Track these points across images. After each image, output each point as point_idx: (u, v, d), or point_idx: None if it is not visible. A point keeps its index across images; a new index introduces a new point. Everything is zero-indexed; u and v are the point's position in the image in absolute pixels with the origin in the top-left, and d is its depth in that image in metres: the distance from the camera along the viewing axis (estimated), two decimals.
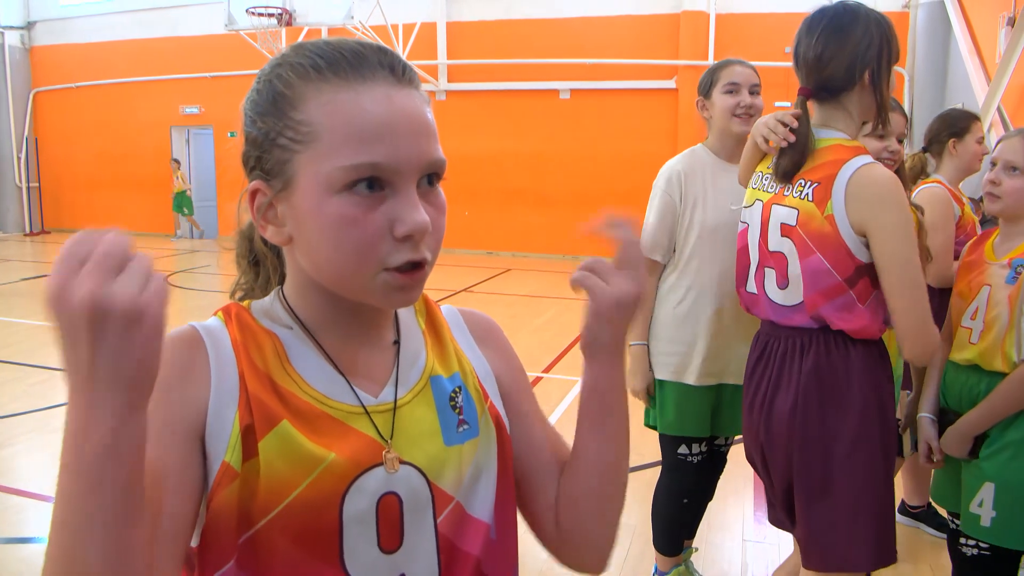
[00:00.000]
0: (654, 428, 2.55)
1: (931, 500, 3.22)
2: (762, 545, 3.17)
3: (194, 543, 0.76)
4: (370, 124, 0.72)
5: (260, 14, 10.43)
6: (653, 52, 11.70)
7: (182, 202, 14.23)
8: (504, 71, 12.46)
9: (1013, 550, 1.98)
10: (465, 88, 12.75)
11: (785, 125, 1.70)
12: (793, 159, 1.71)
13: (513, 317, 7.64)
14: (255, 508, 0.73)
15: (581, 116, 12.24)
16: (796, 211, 1.69)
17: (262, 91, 0.77)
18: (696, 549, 2.85)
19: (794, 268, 1.70)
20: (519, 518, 0.92)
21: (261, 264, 0.90)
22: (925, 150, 3.06)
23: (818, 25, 1.71)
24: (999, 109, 7.13)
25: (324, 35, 12.31)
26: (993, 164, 2.14)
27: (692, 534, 2.76)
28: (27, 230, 15.49)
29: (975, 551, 2.04)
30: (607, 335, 0.85)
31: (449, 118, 11.54)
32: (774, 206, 1.74)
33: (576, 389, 5.22)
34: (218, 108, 13.90)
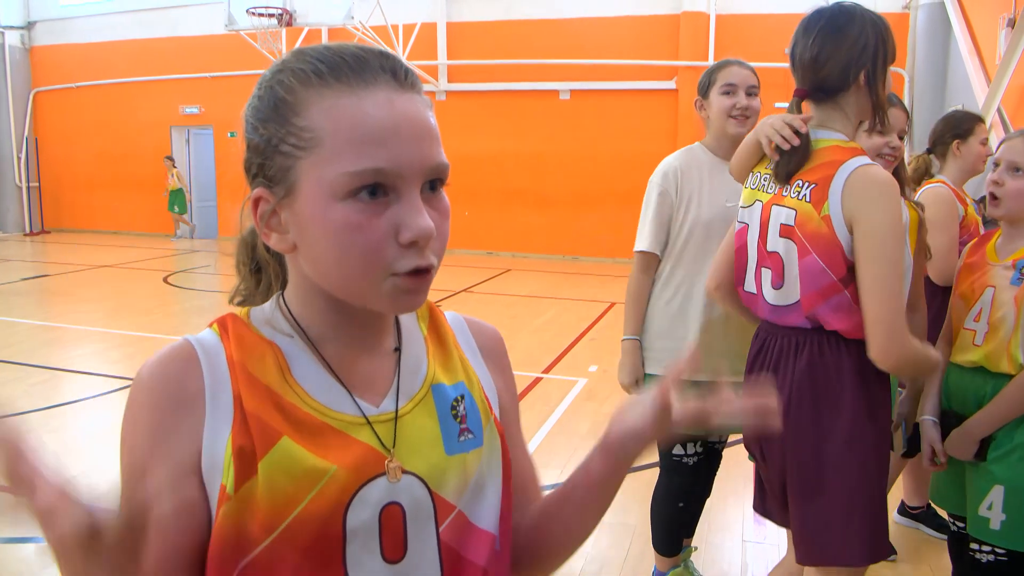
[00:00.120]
0: None
1: (931, 503, 3.23)
2: (762, 546, 3.17)
3: None
4: (373, 129, 0.72)
5: (260, 14, 10.43)
6: (653, 53, 11.71)
7: (175, 200, 14.20)
8: (504, 71, 12.47)
9: None
10: (465, 88, 12.75)
11: (793, 129, 1.70)
12: (795, 161, 1.72)
13: (513, 317, 7.64)
14: (258, 527, 0.73)
15: (581, 116, 12.24)
16: (794, 212, 1.70)
17: (263, 97, 0.76)
18: (696, 548, 2.85)
19: (791, 268, 1.71)
20: None
21: (263, 271, 0.89)
22: (929, 151, 3.08)
23: (814, 26, 1.72)
24: (999, 110, 7.13)
25: (324, 35, 12.37)
26: (996, 165, 2.13)
27: (691, 533, 2.77)
28: (27, 230, 15.49)
29: (991, 557, 2.00)
30: (639, 449, 0.86)
31: (449, 118, 11.54)
32: (774, 207, 1.75)
33: (576, 390, 5.23)
34: (218, 108, 13.90)
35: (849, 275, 1.65)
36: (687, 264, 2.43)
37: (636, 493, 2.73)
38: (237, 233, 0.90)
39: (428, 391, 0.85)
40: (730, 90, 2.38)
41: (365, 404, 0.80)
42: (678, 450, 2.51)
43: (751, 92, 2.40)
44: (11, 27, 15.17)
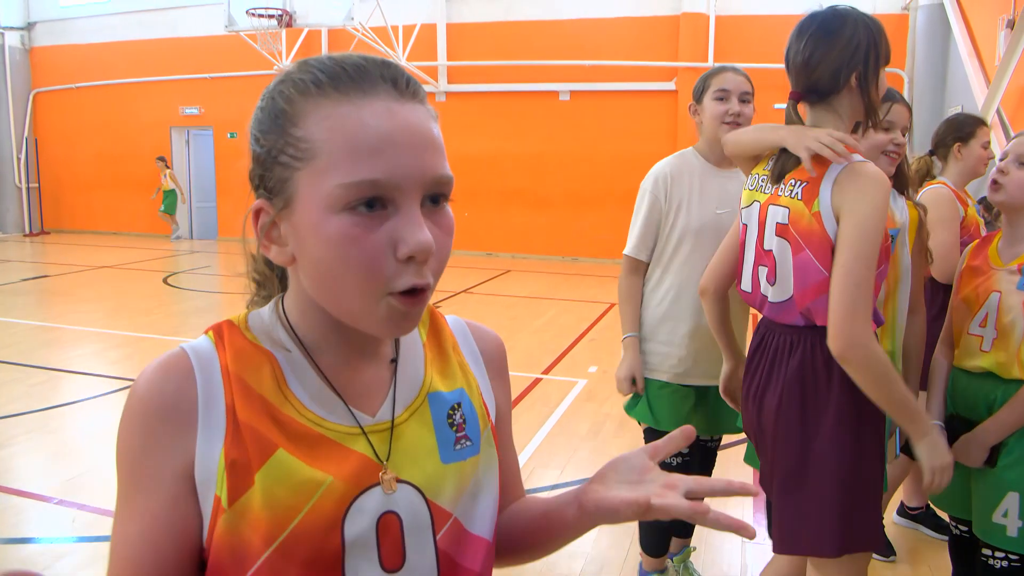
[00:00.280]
0: (638, 421, 2.56)
1: (930, 503, 3.24)
2: (762, 546, 3.17)
3: None
4: (369, 138, 0.70)
5: (260, 15, 10.43)
6: (653, 54, 11.72)
7: (168, 201, 14.14)
8: (504, 72, 12.48)
9: None
10: (465, 89, 12.76)
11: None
12: (791, 161, 1.75)
13: (513, 318, 7.64)
14: (258, 539, 0.73)
15: (581, 117, 12.26)
16: (787, 210, 1.72)
17: (265, 108, 0.76)
18: (695, 548, 2.86)
19: (784, 266, 1.73)
20: None
21: (264, 286, 0.88)
22: (932, 153, 3.10)
23: (807, 30, 1.75)
24: (998, 111, 7.14)
25: (324, 36, 12.37)
26: (1003, 158, 2.12)
27: (689, 534, 2.77)
28: (27, 231, 15.50)
29: (1005, 563, 1.99)
30: (613, 522, 0.84)
31: (449, 119, 11.55)
32: (770, 206, 1.78)
33: (576, 390, 5.23)
34: (218, 109, 13.91)
35: None
36: (676, 270, 2.44)
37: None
38: (240, 238, 0.89)
39: (425, 400, 0.84)
40: (723, 96, 2.38)
41: (361, 414, 0.80)
42: None
43: (744, 99, 2.40)
44: (11, 28, 15.18)
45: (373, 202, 0.70)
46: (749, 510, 3.40)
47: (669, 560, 2.80)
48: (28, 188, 15.50)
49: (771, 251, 1.77)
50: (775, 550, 1.84)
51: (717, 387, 2.45)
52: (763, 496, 2.12)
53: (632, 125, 11.93)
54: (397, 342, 0.87)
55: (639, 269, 2.52)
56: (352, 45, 10.81)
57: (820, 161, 1.68)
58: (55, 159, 15.54)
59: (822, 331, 1.69)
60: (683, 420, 2.46)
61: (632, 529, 3.03)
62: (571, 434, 4.38)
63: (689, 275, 2.41)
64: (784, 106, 1.83)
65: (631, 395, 2.56)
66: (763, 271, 1.80)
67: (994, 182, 2.10)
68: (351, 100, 0.71)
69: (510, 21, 12.48)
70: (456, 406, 0.86)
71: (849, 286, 1.61)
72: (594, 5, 12.09)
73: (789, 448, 1.75)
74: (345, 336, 0.80)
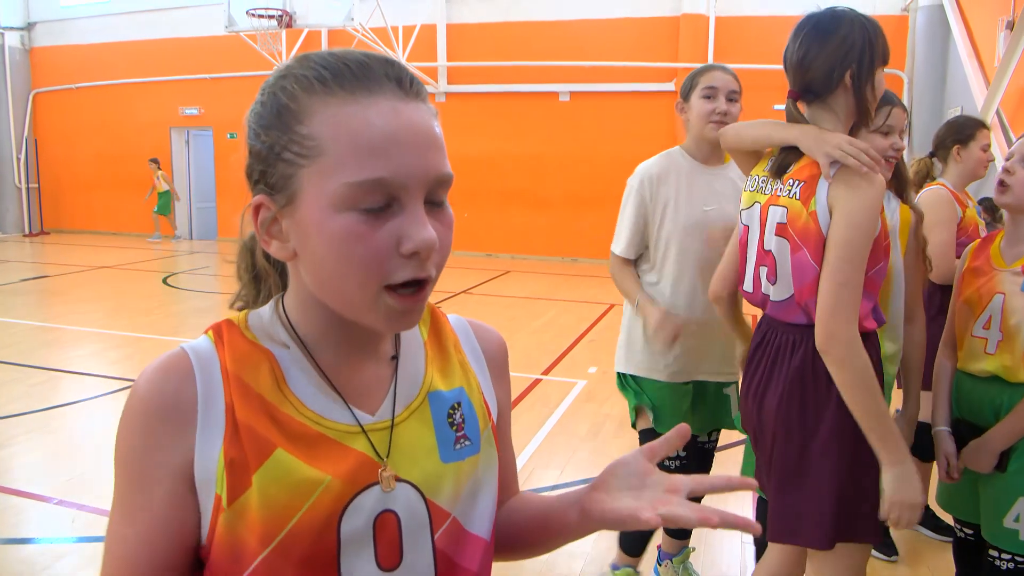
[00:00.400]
0: (638, 429, 2.56)
1: (929, 504, 3.24)
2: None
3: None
4: (376, 138, 0.70)
5: (260, 16, 10.43)
6: (653, 55, 11.73)
7: (160, 202, 14.03)
8: (504, 73, 12.48)
9: None
10: (465, 90, 12.77)
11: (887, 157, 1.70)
12: (791, 156, 1.77)
13: (512, 319, 7.64)
14: (255, 539, 0.73)
15: (580, 118, 12.26)
16: (786, 209, 1.74)
17: (267, 103, 0.75)
18: (694, 549, 2.86)
19: (784, 265, 1.75)
20: None
21: (263, 280, 0.88)
22: (932, 155, 3.12)
23: (803, 29, 1.77)
24: (998, 112, 7.14)
25: (324, 37, 12.37)
26: (1008, 159, 2.12)
27: (687, 535, 2.77)
28: (26, 231, 15.49)
29: (1011, 564, 1.99)
30: (615, 528, 0.86)
31: (449, 120, 11.50)
32: (771, 207, 1.80)
33: (575, 391, 5.23)
34: (218, 109, 13.91)
35: None
36: (668, 269, 2.44)
37: None
38: (238, 238, 0.89)
39: (425, 399, 0.84)
40: (711, 94, 2.38)
41: (360, 413, 0.80)
42: None
43: (732, 97, 2.40)
44: (11, 28, 15.18)
45: (378, 200, 0.70)
46: (749, 511, 3.39)
47: (663, 563, 2.81)
48: (28, 188, 15.50)
49: (771, 251, 1.78)
50: (770, 539, 1.85)
51: (714, 383, 2.47)
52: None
53: (632, 126, 11.94)
54: (398, 340, 0.87)
55: (629, 264, 2.54)
56: (352, 46, 10.71)
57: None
58: (55, 159, 15.54)
59: None
60: (682, 418, 2.47)
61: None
62: (571, 435, 4.38)
63: (680, 273, 2.41)
64: (784, 107, 1.84)
65: (634, 399, 2.55)
66: (764, 271, 1.82)
67: (1001, 183, 2.09)
68: (357, 99, 0.71)
69: (510, 22, 12.48)
70: (456, 405, 0.86)
71: (834, 284, 1.63)
72: (594, 6, 12.09)
73: (789, 445, 1.77)
74: (345, 334, 0.80)
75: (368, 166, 0.70)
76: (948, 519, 3.10)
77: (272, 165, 0.74)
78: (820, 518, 1.73)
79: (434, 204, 0.74)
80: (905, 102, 10.60)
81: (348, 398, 0.80)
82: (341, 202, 0.70)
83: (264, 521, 0.73)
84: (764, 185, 1.83)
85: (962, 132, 3.00)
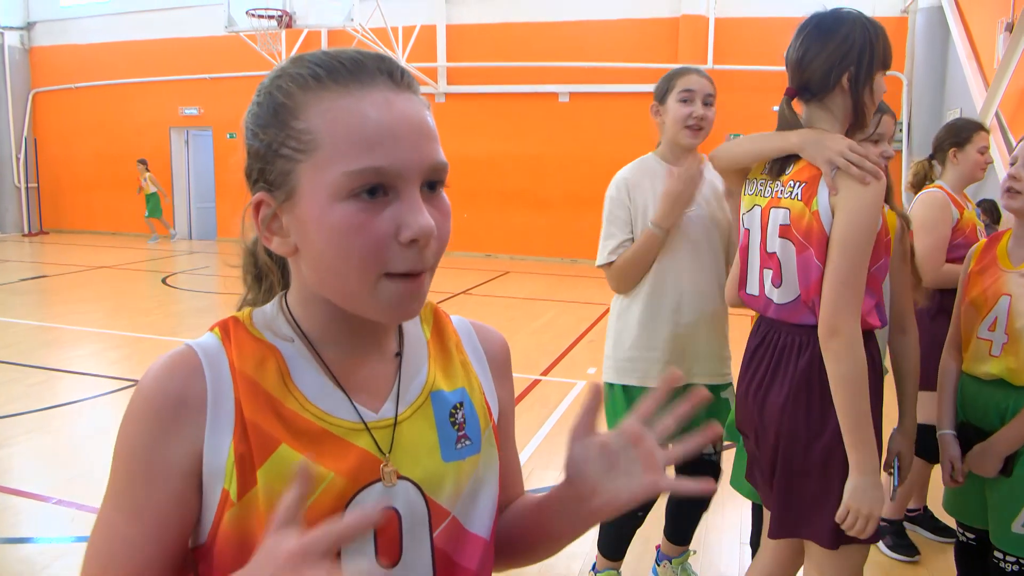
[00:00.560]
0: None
1: (929, 506, 3.24)
2: None
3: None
4: (371, 129, 0.72)
5: (260, 16, 10.44)
6: (652, 56, 11.72)
7: (150, 204, 13.89)
8: (503, 74, 12.48)
9: None
10: (464, 91, 12.76)
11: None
12: (794, 157, 1.77)
13: (511, 320, 7.65)
14: (261, 535, 0.73)
15: (580, 119, 12.26)
16: (788, 211, 1.74)
17: (263, 103, 0.77)
18: (694, 552, 2.86)
19: (789, 266, 1.75)
20: None
21: (264, 277, 0.89)
22: (931, 157, 3.12)
23: (804, 28, 1.77)
24: (997, 114, 7.15)
25: (324, 37, 12.37)
26: (1013, 163, 2.11)
27: (686, 541, 2.76)
28: (26, 231, 15.49)
29: (1016, 567, 1.98)
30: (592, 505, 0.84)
31: (448, 121, 11.55)
32: (772, 209, 1.80)
33: (575, 392, 5.23)
34: (217, 109, 13.91)
35: None
36: (651, 275, 2.41)
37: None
38: (240, 241, 0.89)
39: (428, 397, 0.85)
40: (688, 97, 2.35)
41: (364, 410, 0.80)
42: None
43: (708, 102, 2.37)
44: (11, 28, 15.18)
45: (375, 189, 0.72)
46: (748, 512, 3.40)
47: (661, 563, 2.80)
48: (27, 188, 15.50)
49: (775, 253, 1.78)
50: (770, 535, 1.85)
51: (709, 385, 2.41)
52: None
53: (631, 127, 11.90)
54: (401, 338, 0.87)
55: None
56: (352, 46, 10.78)
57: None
58: (54, 159, 15.53)
59: None
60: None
61: (640, 542, 3.03)
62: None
63: (662, 277, 2.39)
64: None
65: (609, 405, 2.50)
66: (768, 274, 1.81)
67: (1009, 189, 2.07)
68: (351, 92, 0.73)
69: (510, 23, 12.49)
70: (458, 405, 0.86)
71: (837, 281, 1.63)
72: (593, 7, 12.10)
73: (796, 443, 1.76)
74: (348, 329, 0.81)
75: (364, 156, 0.71)
76: (947, 520, 3.10)
77: (270, 162, 0.75)
78: (826, 517, 1.73)
79: (431, 193, 0.76)
80: (904, 104, 10.64)
81: (352, 395, 0.80)
82: (339, 192, 0.71)
83: (268, 516, 0.73)
84: (763, 188, 1.83)
85: (959, 135, 3.01)
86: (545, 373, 5.72)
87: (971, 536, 2.22)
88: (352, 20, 10.35)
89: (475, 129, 12.29)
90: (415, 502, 0.81)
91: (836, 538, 1.74)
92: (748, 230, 1.89)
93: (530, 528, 0.94)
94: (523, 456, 3.96)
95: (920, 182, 3.18)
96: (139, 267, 11.22)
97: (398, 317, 0.78)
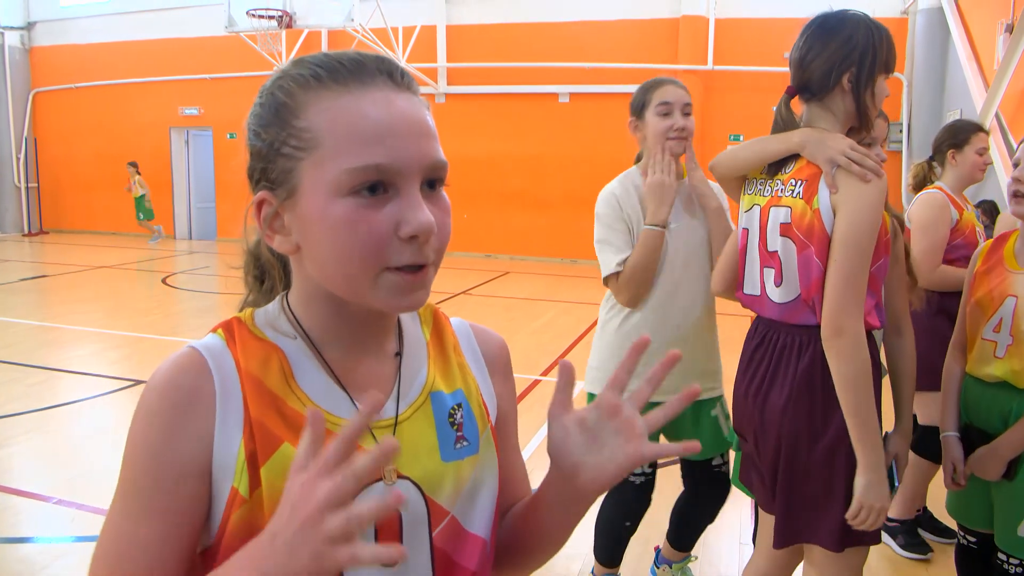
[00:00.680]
0: None
1: (928, 507, 3.24)
2: None
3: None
4: (371, 127, 0.73)
5: (260, 16, 10.44)
6: (652, 56, 11.73)
7: (138, 206, 13.68)
8: (503, 74, 12.48)
9: None
10: (464, 91, 12.76)
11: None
12: (794, 155, 1.78)
13: (511, 320, 7.65)
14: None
15: (580, 120, 12.26)
16: (789, 209, 1.75)
17: (265, 104, 0.78)
18: (696, 558, 2.85)
19: (790, 264, 1.75)
20: None
21: (267, 274, 0.90)
22: (931, 159, 3.14)
23: (808, 28, 1.78)
24: (997, 115, 7.15)
25: (324, 37, 12.37)
26: (1016, 165, 2.11)
27: (688, 547, 2.74)
28: (25, 230, 15.49)
29: (1019, 569, 1.97)
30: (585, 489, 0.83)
31: (448, 121, 11.55)
32: (772, 208, 1.80)
33: (574, 392, 5.22)
34: (217, 109, 13.91)
35: None
36: None
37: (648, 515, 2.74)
38: (242, 241, 0.90)
39: (427, 398, 0.85)
40: (667, 110, 2.34)
41: None
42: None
43: (686, 111, 2.35)
44: (11, 28, 15.18)
45: (376, 186, 0.73)
46: (747, 513, 3.40)
47: (660, 566, 2.79)
48: (27, 188, 15.50)
49: (776, 252, 1.78)
50: (776, 545, 1.84)
51: (701, 401, 2.40)
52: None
53: None
54: (401, 338, 0.88)
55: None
56: (352, 46, 10.77)
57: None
58: (54, 159, 15.53)
59: None
60: (656, 437, 2.41)
61: (638, 540, 3.04)
62: None
63: (649, 291, 2.36)
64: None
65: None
66: (769, 273, 1.81)
67: (1015, 193, 2.06)
68: (351, 91, 0.74)
69: (510, 23, 12.49)
70: (457, 406, 0.87)
71: (841, 280, 1.64)
72: (593, 7, 12.10)
73: (798, 443, 1.76)
74: (350, 328, 0.82)
75: (365, 153, 0.72)
76: (947, 521, 3.10)
77: (272, 161, 0.76)
78: (830, 520, 1.73)
79: (431, 191, 0.76)
80: (904, 105, 10.64)
81: (352, 394, 0.81)
82: (340, 189, 0.72)
83: (271, 514, 0.74)
84: (763, 187, 1.84)
85: (956, 136, 3.02)
86: (545, 373, 5.72)
87: (972, 539, 2.20)
88: (352, 20, 10.36)
89: (475, 129, 12.29)
90: (415, 501, 0.81)
91: (841, 540, 1.74)
92: (747, 230, 1.89)
93: (529, 523, 0.93)
94: (523, 456, 3.95)
95: (920, 184, 3.19)
96: (139, 267, 11.23)
97: (401, 306, 0.78)
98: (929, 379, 2.33)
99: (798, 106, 1.84)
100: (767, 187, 1.82)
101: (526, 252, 12.76)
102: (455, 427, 0.86)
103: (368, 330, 0.83)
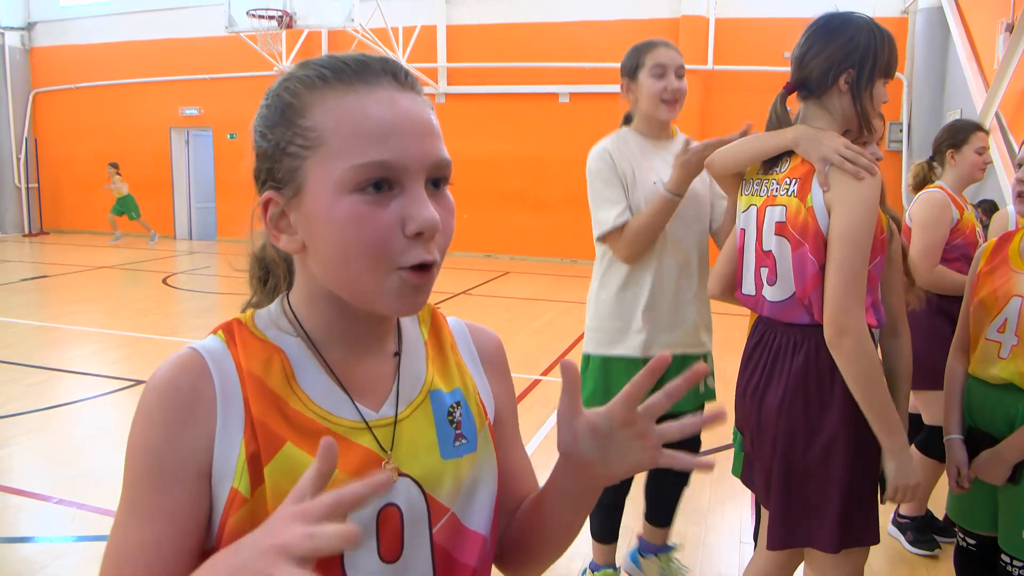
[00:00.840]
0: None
1: (929, 507, 3.25)
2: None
3: None
4: (376, 125, 0.74)
5: (260, 16, 10.44)
6: None
7: (127, 206, 13.58)
8: (504, 74, 12.49)
9: None
10: (465, 91, 12.77)
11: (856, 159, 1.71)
12: (788, 152, 1.79)
13: (511, 320, 7.65)
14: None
15: (580, 120, 12.26)
16: (784, 208, 1.75)
17: (271, 105, 0.79)
18: (681, 546, 2.83)
19: (784, 263, 1.76)
20: None
21: (271, 272, 0.90)
22: (931, 159, 3.15)
23: (811, 27, 1.79)
24: (997, 115, 7.15)
25: (324, 37, 12.37)
26: (1020, 166, 2.10)
27: (667, 522, 2.72)
28: (26, 231, 15.49)
29: (1023, 572, 1.95)
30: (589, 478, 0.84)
31: (449, 121, 11.51)
32: (768, 207, 1.80)
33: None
34: (218, 110, 13.92)
35: None
36: None
37: (632, 495, 2.74)
38: (248, 242, 0.90)
39: (426, 397, 0.86)
40: (661, 71, 2.33)
41: (365, 409, 0.82)
42: None
43: (679, 74, 2.36)
44: (11, 28, 15.19)
45: (381, 183, 0.73)
46: (747, 512, 3.40)
47: (647, 556, 2.78)
48: (27, 188, 15.51)
49: (771, 251, 1.79)
50: (770, 547, 1.84)
51: (683, 355, 2.41)
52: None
53: None
54: (400, 337, 0.88)
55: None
56: (352, 46, 10.82)
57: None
58: (55, 159, 15.54)
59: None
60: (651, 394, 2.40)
61: (630, 530, 3.04)
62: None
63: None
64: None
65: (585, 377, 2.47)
66: (764, 272, 1.82)
67: (1020, 194, 2.06)
68: (356, 90, 0.75)
69: (510, 23, 12.50)
70: (455, 405, 0.88)
71: (841, 279, 1.64)
72: (593, 7, 12.11)
73: (793, 443, 1.77)
74: (351, 329, 0.82)
75: (370, 150, 0.73)
76: (958, 530, 3.10)
77: (278, 161, 0.77)
78: (827, 521, 1.73)
79: (435, 190, 0.77)
80: (904, 104, 10.64)
81: (353, 394, 0.82)
82: (345, 186, 0.73)
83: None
84: (759, 187, 1.84)
85: (956, 136, 3.03)
86: (545, 373, 5.72)
87: (972, 542, 2.17)
88: (352, 20, 10.36)
89: (475, 129, 12.30)
90: (415, 499, 0.82)
91: (839, 541, 1.74)
92: (744, 230, 1.89)
93: (540, 514, 0.93)
94: None
95: (920, 184, 3.20)
96: (139, 267, 11.23)
97: (404, 309, 0.78)
98: (932, 378, 2.33)
99: (794, 104, 1.85)
100: (763, 187, 1.83)
101: (526, 252, 12.76)
102: (454, 425, 0.86)
103: (369, 330, 0.84)
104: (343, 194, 0.73)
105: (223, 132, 14.06)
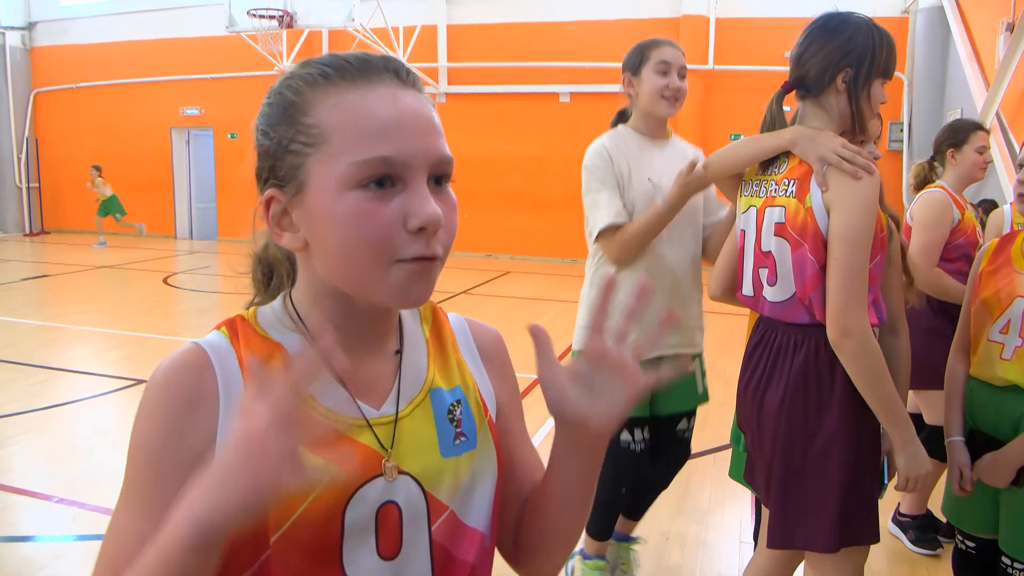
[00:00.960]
0: None
1: (930, 508, 3.24)
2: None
3: None
4: (378, 121, 0.74)
5: (261, 16, 10.44)
6: None
7: (112, 207, 13.33)
8: (504, 74, 12.50)
9: None
10: (465, 91, 12.77)
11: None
12: (786, 152, 1.79)
13: (511, 320, 7.65)
14: (267, 527, 0.75)
15: (581, 120, 12.25)
16: (784, 208, 1.75)
17: (273, 104, 0.79)
18: (645, 541, 2.80)
19: (784, 263, 1.76)
20: None
21: (275, 269, 0.90)
22: (932, 159, 3.15)
23: (810, 26, 1.79)
24: (998, 115, 7.15)
25: (325, 37, 12.37)
26: (1021, 166, 2.09)
27: (639, 516, 2.73)
28: (27, 230, 15.50)
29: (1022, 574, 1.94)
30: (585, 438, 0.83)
31: (449, 121, 11.38)
32: (767, 208, 1.81)
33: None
34: (218, 110, 13.92)
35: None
36: None
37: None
38: (251, 241, 0.90)
39: (427, 395, 0.86)
40: (665, 69, 2.34)
41: (366, 407, 0.82)
42: (625, 436, 2.43)
43: (682, 74, 2.37)
44: (12, 28, 15.19)
45: (383, 180, 0.73)
46: (747, 511, 3.40)
47: (613, 541, 2.76)
48: (28, 188, 15.51)
49: (770, 252, 1.79)
50: (770, 545, 1.85)
51: (671, 357, 2.40)
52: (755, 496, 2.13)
53: None
54: (401, 335, 0.88)
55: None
56: (353, 46, 10.82)
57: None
58: (55, 159, 15.54)
59: (825, 329, 1.71)
60: (646, 399, 2.40)
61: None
62: None
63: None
64: (785, 109, 1.85)
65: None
66: (763, 273, 1.82)
67: (1021, 195, 2.05)
68: (358, 88, 0.75)
69: (510, 23, 12.50)
70: (456, 403, 0.88)
71: (844, 278, 1.64)
72: (594, 7, 12.11)
73: (793, 443, 1.77)
74: (353, 328, 0.82)
75: (372, 146, 0.73)
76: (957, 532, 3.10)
77: (281, 159, 0.77)
78: (826, 521, 1.73)
79: (437, 187, 0.77)
80: (905, 104, 10.64)
81: (354, 392, 0.82)
82: (348, 183, 0.73)
83: (274, 509, 0.74)
84: (759, 188, 1.85)
85: (956, 135, 3.04)
86: None
87: (971, 544, 2.14)
88: (353, 20, 10.37)
89: (476, 129, 12.30)
90: (415, 496, 0.82)
91: (837, 541, 1.74)
92: (743, 231, 1.90)
93: (549, 492, 0.91)
94: None
95: (921, 183, 3.20)
96: (139, 267, 11.23)
97: (407, 301, 0.78)
98: (933, 378, 2.32)
99: (792, 103, 1.85)
100: (762, 188, 1.83)
101: (526, 252, 12.76)
102: (454, 423, 0.87)
103: (372, 328, 0.84)
104: (346, 191, 0.73)
105: (224, 132, 14.06)
